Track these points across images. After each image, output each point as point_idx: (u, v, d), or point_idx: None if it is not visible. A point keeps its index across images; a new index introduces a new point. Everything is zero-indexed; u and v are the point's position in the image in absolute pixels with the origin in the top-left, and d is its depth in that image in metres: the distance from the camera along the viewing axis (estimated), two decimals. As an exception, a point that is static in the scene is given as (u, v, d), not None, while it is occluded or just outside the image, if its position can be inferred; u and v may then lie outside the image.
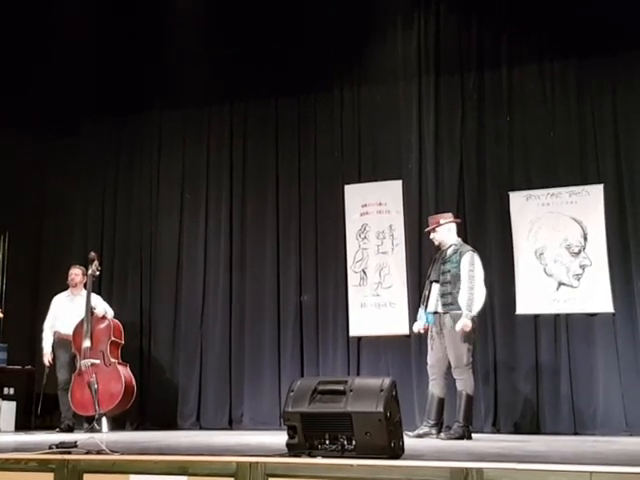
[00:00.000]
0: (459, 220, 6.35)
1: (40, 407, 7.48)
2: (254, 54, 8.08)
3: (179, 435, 6.32)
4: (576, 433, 6.64)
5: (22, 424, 7.50)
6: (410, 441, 4.46)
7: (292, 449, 3.33)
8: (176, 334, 8.18)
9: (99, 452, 3.47)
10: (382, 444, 3.17)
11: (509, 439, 5.73)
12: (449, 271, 5.85)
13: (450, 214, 6.31)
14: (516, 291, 7.11)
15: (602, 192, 7.00)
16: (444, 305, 5.82)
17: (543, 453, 3.94)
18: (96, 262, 7.22)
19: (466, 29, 7.63)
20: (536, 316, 7.05)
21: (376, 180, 7.78)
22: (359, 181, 7.85)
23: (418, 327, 6.01)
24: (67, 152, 8.82)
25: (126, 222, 8.63)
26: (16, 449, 3.97)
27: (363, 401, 3.23)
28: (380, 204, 7.73)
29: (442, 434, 5.64)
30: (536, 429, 6.79)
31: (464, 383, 5.69)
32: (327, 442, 3.27)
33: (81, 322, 7.04)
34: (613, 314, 6.80)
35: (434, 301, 5.90)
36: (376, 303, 7.57)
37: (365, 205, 7.78)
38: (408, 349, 7.29)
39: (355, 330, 7.58)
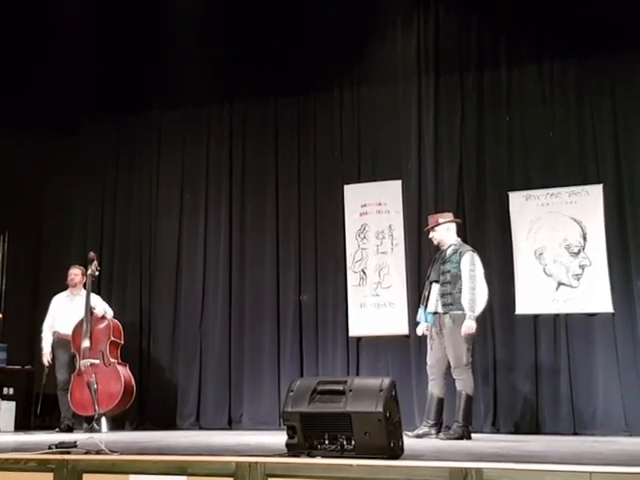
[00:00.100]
0: (459, 220, 6.35)
1: (39, 407, 7.48)
2: (254, 54, 8.08)
3: (178, 435, 6.31)
4: (575, 433, 6.64)
5: (21, 424, 7.50)
6: (409, 441, 4.46)
7: (291, 449, 3.33)
8: (176, 334, 8.18)
9: (98, 452, 3.47)
10: (381, 444, 3.17)
11: (508, 439, 5.73)
12: (449, 271, 5.85)
13: (450, 214, 6.31)
14: (515, 291, 7.11)
15: (601, 192, 7.00)
16: (444, 305, 5.81)
17: (542, 453, 3.94)
18: (95, 262, 7.22)
19: (465, 29, 7.64)
20: (536, 316, 7.05)
21: (376, 180, 7.78)
22: (358, 181, 7.85)
23: (422, 330, 6.00)
24: (67, 152, 8.81)
25: (126, 222, 8.63)
26: (15, 449, 3.97)
27: (362, 401, 3.23)
28: (380, 204, 7.73)
29: (441, 434, 5.64)
30: (535, 429, 6.79)
31: (463, 383, 5.69)
32: (326, 442, 3.27)
33: (80, 322, 7.04)
34: (612, 314, 6.80)
35: (434, 301, 5.90)
36: (375, 303, 7.57)
37: (364, 205, 7.78)
38: (407, 349, 7.29)
39: (354, 330, 7.58)
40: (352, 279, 7.70)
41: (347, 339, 7.59)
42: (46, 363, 7.15)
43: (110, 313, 7.27)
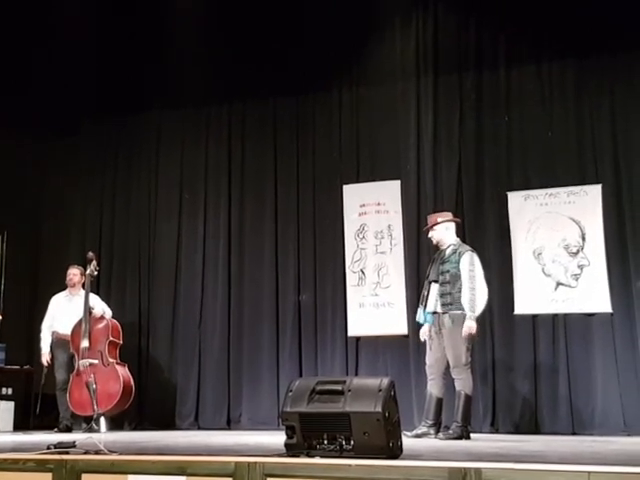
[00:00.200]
0: (458, 220, 6.35)
1: (38, 407, 7.47)
2: (253, 54, 8.07)
3: (177, 435, 6.31)
4: (574, 433, 6.65)
5: (20, 424, 7.50)
6: (408, 441, 4.46)
7: (290, 449, 3.33)
8: (174, 334, 8.18)
9: (97, 452, 3.46)
10: (380, 444, 3.17)
11: (507, 439, 5.73)
12: (448, 271, 5.85)
13: (449, 213, 6.33)
14: (514, 291, 7.11)
15: (600, 192, 7.00)
16: (443, 305, 5.82)
17: (541, 453, 3.94)
18: (94, 262, 7.22)
19: (464, 29, 7.64)
20: (534, 316, 7.06)
21: (374, 180, 7.78)
22: (357, 181, 7.85)
23: (424, 333, 5.98)
24: (67, 152, 8.81)
25: (125, 222, 8.63)
26: (14, 449, 3.97)
27: (361, 401, 3.23)
28: (378, 204, 7.73)
29: (440, 434, 5.64)
30: (534, 429, 6.79)
31: (463, 383, 5.69)
32: (325, 442, 3.27)
33: (79, 322, 7.04)
34: (611, 314, 6.80)
35: (433, 301, 5.90)
36: (374, 303, 7.57)
37: (363, 205, 7.78)
38: (407, 349, 7.29)
39: (353, 330, 7.58)
40: (351, 279, 7.71)
41: (346, 339, 7.59)
42: (45, 363, 7.14)
43: (109, 313, 7.27)
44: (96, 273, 7.30)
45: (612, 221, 6.96)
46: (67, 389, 6.94)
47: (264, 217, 8.12)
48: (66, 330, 7.10)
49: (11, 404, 7.55)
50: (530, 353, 7.00)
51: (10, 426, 7.42)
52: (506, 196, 7.29)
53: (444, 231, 6.04)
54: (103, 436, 5.28)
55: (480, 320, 6.10)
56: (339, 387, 3.35)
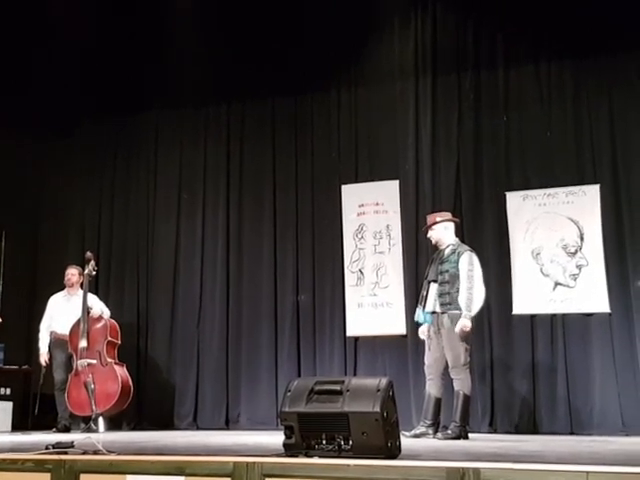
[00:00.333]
0: (457, 220, 6.35)
1: (37, 407, 7.46)
2: (252, 55, 8.07)
3: (176, 435, 6.31)
4: (573, 433, 6.65)
5: (19, 424, 7.49)
6: (407, 441, 4.46)
7: (289, 449, 3.33)
8: (173, 334, 8.17)
9: (96, 452, 3.46)
10: (379, 444, 3.17)
11: (506, 439, 5.74)
12: (447, 271, 5.85)
13: (448, 213, 6.33)
14: (513, 291, 7.12)
15: (599, 192, 7.00)
16: (442, 305, 5.82)
17: (540, 453, 3.94)
18: (93, 262, 7.22)
19: (463, 29, 7.64)
20: (533, 316, 7.06)
21: (373, 180, 7.78)
22: (356, 181, 7.85)
23: (423, 332, 5.99)
24: (66, 152, 8.80)
25: (123, 223, 8.62)
26: (12, 449, 3.97)
27: (360, 401, 3.23)
28: (377, 204, 7.73)
29: (439, 434, 5.64)
30: (533, 429, 6.79)
31: (461, 383, 5.69)
32: (324, 442, 3.27)
33: (78, 322, 7.04)
34: (609, 314, 6.81)
35: (432, 301, 5.90)
36: (373, 303, 7.58)
37: (362, 205, 7.78)
38: (405, 349, 7.29)
39: (352, 330, 7.58)
40: (350, 279, 7.71)
41: (345, 339, 7.59)
42: (43, 363, 7.14)
43: (107, 313, 7.27)
44: (94, 273, 7.31)
45: (610, 221, 6.97)
46: (65, 389, 6.94)
47: (263, 217, 8.12)
48: (64, 330, 7.09)
49: (9, 404, 7.55)
50: (528, 353, 7.00)
51: (8, 426, 7.42)
52: (504, 196, 7.29)
53: (443, 231, 6.04)
54: (101, 436, 5.28)
55: (478, 320, 6.11)
56: (337, 387, 3.35)
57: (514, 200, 7.25)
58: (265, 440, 4.90)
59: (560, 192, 7.13)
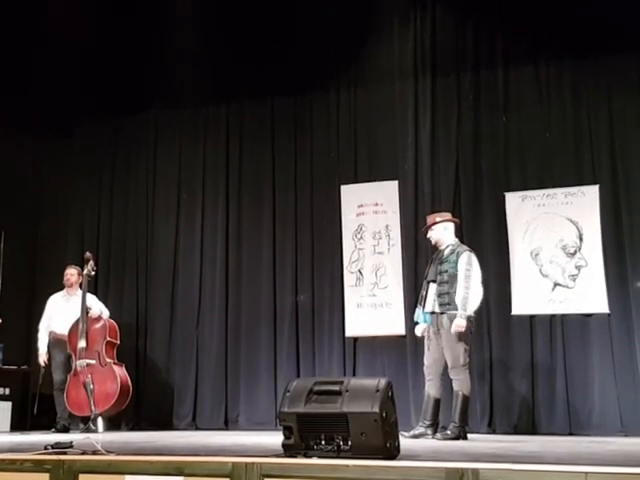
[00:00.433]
0: (457, 220, 6.35)
1: (36, 407, 7.46)
2: (251, 55, 8.07)
3: (175, 435, 6.32)
4: (571, 434, 6.65)
5: (17, 424, 7.49)
6: (406, 441, 4.47)
7: (288, 449, 3.33)
8: (172, 334, 8.17)
9: (95, 452, 3.47)
10: (378, 444, 3.17)
11: (505, 439, 5.74)
12: (446, 271, 5.85)
13: (447, 213, 6.34)
14: (512, 291, 7.12)
15: (598, 193, 7.01)
16: (441, 305, 5.82)
17: (538, 454, 3.95)
18: (92, 262, 7.22)
19: (462, 30, 7.64)
20: (532, 316, 7.06)
21: (372, 180, 7.78)
22: (355, 181, 7.85)
23: (421, 330, 5.99)
24: (66, 152, 8.80)
25: (122, 223, 8.62)
26: (11, 449, 3.97)
27: (359, 401, 3.23)
28: (376, 204, 7.73)
29: (438, 434, 5.64)
30: (532, 429, 6.79)
31: (460, 384, 5.69)
32: (323, 442, 3.28)
33: (76, 322, 7.04)
34: (608, 315, 6.81)
35: (431, 301, 5.90)
36: (372, 303, 7.58)
37: (361, 205, 7.78)
38: (404, 349, 7.29)
39: (351, 330, 7.58)
40: (349, 279, 7.71)
41: (344, 339, 7.59)
42: (42, 363, 7.14)
43: (106, 313, 7.27)
44: (93, 273, 7.31)
45: (609, 222, 6.97)
46: (64, 389, 6.93)
47: (262, 217, 8.12)
48: (63, 330, 7.09)
49: (8, 404, 7.54)
50: (527, 353, 7.00)
51: (7, 426, 7.41)
52: (504, 197, 7.29)
53: (442, 231, 6.04)
54: (100, 436, 5.28)
55: (478, 320, 6.11)
56: (336, 387, 3.35)
57: (513, 200, 7.25)
58: (264, 440, 4.90)
59: (559, 193, 7.13)
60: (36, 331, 7.28)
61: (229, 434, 6.75)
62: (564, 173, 7.19)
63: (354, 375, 7.32)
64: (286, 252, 7.97)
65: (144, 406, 7.96)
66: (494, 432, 6.86)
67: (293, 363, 7.68)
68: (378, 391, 3.25)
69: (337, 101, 8.06)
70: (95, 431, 6.53)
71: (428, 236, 6.16)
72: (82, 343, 6.94)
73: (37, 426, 7.34)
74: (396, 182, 7.68)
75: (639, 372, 6.61)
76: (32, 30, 8.04)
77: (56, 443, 3.68)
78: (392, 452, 3.24)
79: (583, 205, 7.04)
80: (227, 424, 7.76)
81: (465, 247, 6.00)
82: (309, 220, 7.95)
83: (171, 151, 8.56)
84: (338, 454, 3.21)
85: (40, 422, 7.37)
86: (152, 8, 8.20)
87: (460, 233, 6.64)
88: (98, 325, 7.12)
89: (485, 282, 5.99)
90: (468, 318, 5.69)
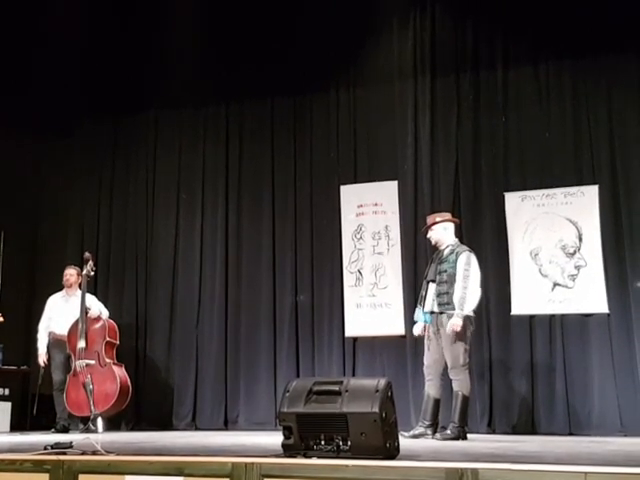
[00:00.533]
0: (456, 220, 6.35)
1: (35, 408, 7.46)
2: (251, 55, 8.08)
3: (175, 435, 6.32)
4: (571, 434, 6.65)
5: (17, 425, 7.49)
6: (405, 442, 4.47)
7: (287, 450, 3.34)
8: (172, 334, 8.17)
9: (94, 453, 3.47)
10: (377, 445, 3.17)
11: (504, 440, 5.74)
12: (446, 271, 5.85)
13: (448, 213, 6.34)
14: (511, 291, 7.12)
15: (597, 193, 7.01)
16: (440, 305, 5.82)
17: (538, 454, 3.95)
18: (91, 262, 7.22)
19: (462, 30, 7.64)
20: (531, 317, 7.06)
21: (372, 181, 7.78)
22: (355, 182, 7.85)
23: (419, 329, 5.99)
24: (65, 152, 8.80)
25: (122, 223, 8.62)
26: (11, 450, 3.97)
27: (358, 402, 3.24)
28: (376, 204, 7.73)
29: (437, 435, 5.65)
30: (531, 429, 6.79)
31: (460, 384, 5.69)
32: (322, 443, 3.28)
33: (76, 322, 7.04)
34: (608, 315, 6.81)
35: (430, 301, 5.90)
36: (372, 303, 7.58)
37: (361, 205, 7.78)
38: (404, 350, 7.29)
39: (351, 330, 7.58)
40: (348, 279, 7.71)
41: (343, 339, 7.59)
42: (42, 363, 7.14)
43: (105, 313, 7.27)
44: (92, 273, 7.31)
45: (609, 222, 6.97)
46: (64, 389, 6.94)
47: (261, 217, 8.12)
48: (63, 330, 7.09)
49: (8, 405, 7.54)
50: (527, 354, 7.00)
51: (7, 427, 7.41)
52: (503, 197, 7.29)
53: (442, 231, 6.05)
54: (100, 437, 5.28)
55: (477, 321, 6.11)
56: (336, 388, 3.35)
57: (513, 200, 7.26)
58: (264, 441, 4.90)
59: (559, 193, 7.14)
60: (36, 331, 7.28)
61: (229, 434, 6.75)
62: (564, 173, 7.20)
63: (354, 375, 7.32)
64: (286, 252, 7.97)
65: (144, 406, 7.96)
66: (494, 432, 6.86)
67: (293, 363, 7.68)
68: (378, 391, 3.25)
69: (337, 101, 8.06)
70: (95, 431, 6.53)
71: (428, 236, 6.16)
72: (82, 343, 6.95)
73: (37, 426, 7.34)
74: (396, 182, 7.68)
75: (639, 372, 6.61)
76: (32, 30, 8.03)
77: (56, 443, 3.68)
78: (392, 452, 3.24)
79: (583, 205, 7.04)
80: (227, 424, 7.76)
81: (465, 247, 6.00)
82: (309, 220, 7.95)
83: (171, 151, 8.56)
84: (338, 454, 3.21)
85: (40, 422, 7.37)
86: (152, 8, 8.20)
87: (460, 233, 6.65)
88: (97, 325, 7.12)
89: (484, 282, 5.99)
90: (467, 318, 5.69)
